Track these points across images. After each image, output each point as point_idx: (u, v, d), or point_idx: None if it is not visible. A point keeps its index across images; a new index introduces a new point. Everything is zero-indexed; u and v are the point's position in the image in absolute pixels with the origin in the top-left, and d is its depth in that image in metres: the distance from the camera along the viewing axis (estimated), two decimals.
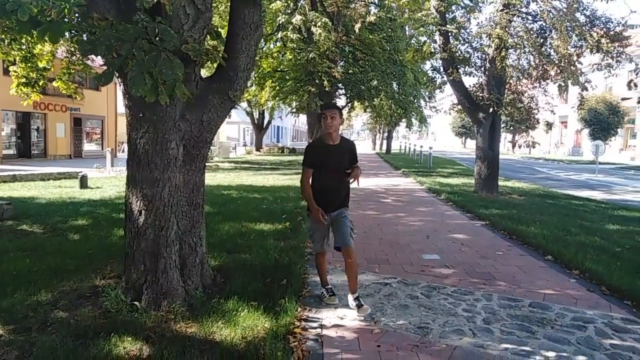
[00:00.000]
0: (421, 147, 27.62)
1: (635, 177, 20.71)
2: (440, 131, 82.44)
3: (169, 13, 3.44)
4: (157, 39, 3.06)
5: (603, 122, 32.24)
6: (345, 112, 35.44)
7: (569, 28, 9.46)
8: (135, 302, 3.78)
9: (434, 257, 5.57)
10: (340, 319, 3.68)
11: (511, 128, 43.72)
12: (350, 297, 3.90)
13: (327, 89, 18.84)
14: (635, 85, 5.20)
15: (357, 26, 13.11)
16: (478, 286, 4.49)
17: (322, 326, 3.54)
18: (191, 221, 4.17)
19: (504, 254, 5.78)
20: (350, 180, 3.92)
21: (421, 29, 13.18)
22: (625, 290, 4.25)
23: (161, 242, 3.86)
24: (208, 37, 4.19)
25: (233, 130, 52.65)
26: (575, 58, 10.20)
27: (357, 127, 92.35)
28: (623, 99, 30.28)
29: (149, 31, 3.02)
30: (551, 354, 3.10)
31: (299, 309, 3.80)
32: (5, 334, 3.32)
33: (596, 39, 9.46)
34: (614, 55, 9.60)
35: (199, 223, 4.26)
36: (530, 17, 10.72)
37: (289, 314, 3.60)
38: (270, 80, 22.57)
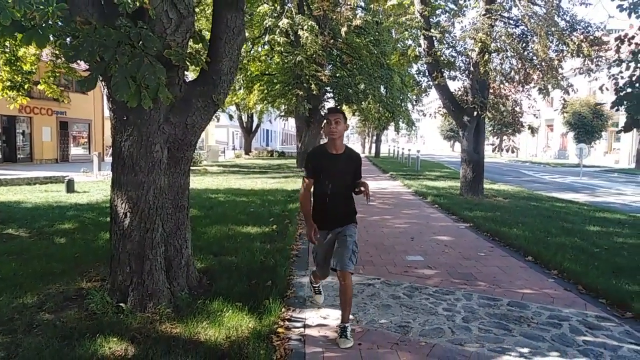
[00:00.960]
0: (409, 150, 27.82)
1: (618, 179, 21.10)
2: (429, 135, 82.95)
3: (151, 17, 3.49)
4: (140, 44, 3.11)
5: (587, 125, 32.76)
6: None
7: (548, 33, 9.65)
8: (121, 304, 3.82)
9: (418, 258, 5.67)
10: (323, 319, 3.75)
11: (498, 132, 44.19)
12: (339, 327, 3.42)
13: (314, 92, 18.94)
14: (607, 89, 5.36)
15: (344, 30, 13.22)
16: (459, 286, 4.60)
17: (305, 326, 3.61)
18: (176, 223, 4.21)
19: (485, 255, 5.90)
20: (364, 198, 3.41)
21: (405, 33, 13.34)
22: (600, 289, 4.38)
23: (146, 244, 3.90)
24: (192, 40, 4.25)
25: (222, 134, 52.53)
26: (556, 63, 10.43)
27: (347, 131, 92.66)
28: (597, 105, 30.77)
29: (131, 36, 3.08)
30: (526, 350, 3.20)
31: (283, 309, 3.86)
32: None
33: (576, 43, 9.67)
34: (593, 59, 9.83)
35: (184, 225, 4.30)
36: (512, 22, 10.93)
37: (272, 314, 3.66)
38: (258, 84, 22.62)
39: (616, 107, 4.83)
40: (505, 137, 41.09)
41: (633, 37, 5.19)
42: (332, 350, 3.21)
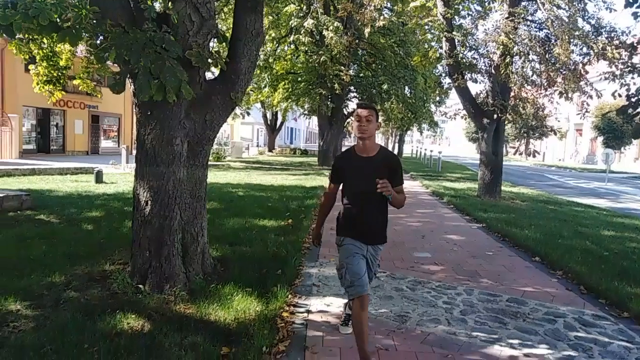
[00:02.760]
0: (431, 151, 27.74)
1: None
2: (454, 136, 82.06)
3: (174, 22, 3.78)
4: (163, 47, 3.39)
5: (617, 130, 31.96)
6: None
7: (571, 37, 9.61)
8: (140, 285, 4.12)
9: (426, 255, 5.82)
10: (326, 306, 3.97)
11: (524, 135, 43.50)
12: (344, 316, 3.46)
13: (337, 91, 19.13)
14: (620, 95, 5.37)
15: (367, 30, 13.39)
16: (462, 282, 4.75)
17: (308, 311, 3.84)
18: (193, 212, 4.50)
19: (493, 254, 6.00)
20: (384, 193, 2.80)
21: (428, 34, 13.40)
22: (601, 290, 4.46)
23: (165, 230, 4.19)
24: (215, 40, 4.53)
25: (247, 131, 53.23)
26: (580, 67, 10.35)
27: None
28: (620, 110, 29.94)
29: (155, 41, 3.36)
30: (516, 341, 3.35)
31: (290, 296, 4.10)
32: (23, 309, 3.68)
33: (600, 46, 9.59)
34: (618, 64, 9.72)
35: (201, 215, 4.58)
36: (535, 25, 10.90)
37: (279, 299, 3.90)
38: (283, 82, 22.97)
39: (622, 115, 4.87)
40: (531, 141, 40.45)
41: (636, 47, 5.22)
42: (332, 334, 3.43)
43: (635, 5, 5.05)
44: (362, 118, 2.93)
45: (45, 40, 10.59)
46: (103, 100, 21.87)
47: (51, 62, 11.28)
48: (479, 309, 3.98)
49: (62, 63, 11.36)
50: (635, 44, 5.29)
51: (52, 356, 2.92)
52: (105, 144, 28.01)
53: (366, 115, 2.93)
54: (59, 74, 11.58)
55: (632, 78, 5.03)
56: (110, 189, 10.76)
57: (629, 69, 5.14)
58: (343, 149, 35.21)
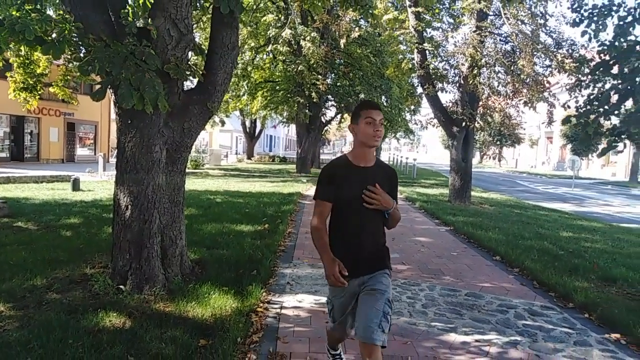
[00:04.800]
0: (407, 158, 28.34)
1: (610, 191, 21.52)
2: (431, 144, 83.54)
3: (154, 37, 4.03)
4: (143, 60, 3.65)
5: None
6: (335, 123, 36.22)
7: (534, 50, 10.18)
8: (121, 286, 4.32)
9: (394, 255, 6.14)
10: (298, 302, 4.25)
11: (498, 143, 44.70)
12: None
13: (315, 100, 19.51)
14: (569, 107, 5.84)
15: (343, 41, 13.83)
16: (426, 279, 5.08)
17: (282, 307, 4.11)
18: (172, 217, 4.72)
19: (458, 254, 6.38)
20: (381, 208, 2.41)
21: (401, 46, 13.90)
22: (551, 284, 4.86)
23: (145, 234, 4.40)
24: (192, 53, 4.79)
25: (225, 139, 53.20)
26: (542, 78, 10.95)
27: (349, 138, 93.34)
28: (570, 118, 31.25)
29: (136, 54, 3.62)
30: (469, 329, 3.69)
31: (264, 294, 4.36)
32: (6, 311, 3.84)
33: (559, 59, 10.19)
34: (576, 76, 10.33)
35: (179, 219, 4.81)
36: (501, 39, 11.48)
37: (254, 297, 4.16)
38: (262, 90, 23.26)
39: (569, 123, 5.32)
40: (504, 148, 41.65)
41: (592, 60, 5.71)
42: (301, 326, 3.70)
43: (583, 25, 5.53)
44: (377, 121, 2.42)
45: (22, 48, 10.67)
46: (79, 108, 21.75)
47: (28, 70, 11.35)
48: (439, 303, 4.31)
49: (39, 71, 11.43)
50: (587, 59, 5.79)
51: (39, 351, 3.11)
52: (81, 151, 27.70)
53: (381, 118, 2.45)
54: (36, 81, 11.64)
55: (579, 91, 5.49)
56: (87, 197, 10.82)
57: (577, 82, 5.62)
58: (322, 157, 34.90)
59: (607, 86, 4.86)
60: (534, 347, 3.43)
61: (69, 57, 11.06)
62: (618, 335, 3.69)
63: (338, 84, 23.28)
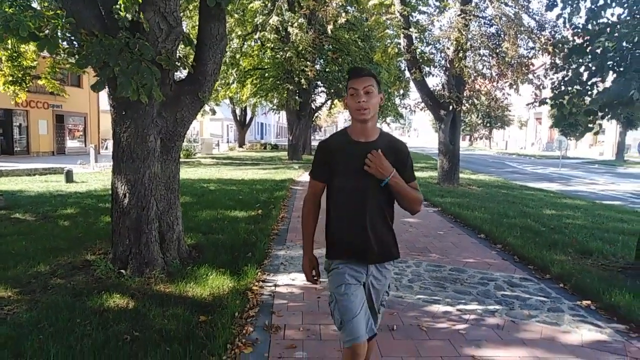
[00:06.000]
0: None
1: (597, 170, 21.97)
2: (422, 128, 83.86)
3: (146, 29, 4.18)
4: (137, 51, 3.82)
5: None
6: (326, 109, 36.29)
7: (518, 32, 10.38)
8: (122, 271, 4.53)
9: None
10: (292, 281, 4.49)
11: (488, 125, 45.09)
12: None
13: (304, 86, 19.60)
14: (544, 87, 6.08)
15: (330, 27, 13.93)
16: (413, 257, 5.35)
17: (276, 285, 4.35)
18: (168, 203, 4.92)
19: (444, 233, 6.65)
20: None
21: (388, 31, 14.03)
22: (531, 258, 5.15)
23: (142, 220, 4.60)
24: (182, 44, 4.94)
25: (216, 127, 53.01)
26: (526, 60, 11.17)
27: (340, 124, 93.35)
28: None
29: (130, 45, 3.78)
30: (451, 300, 3.96)
31: (259, 273, 4.60)
32: (14, 295, 4.04)
33: (543, 41, 10.41)
34: (558, 57, 10.56)
35: (175, 205, 5.01)
36: (486, 22, 11.65)
37: (249, 276, 4.39)
38: (251, 78, 23.28)
39: (546, 103, 5.55)
40: (494, 130, 42.06)
41: (567, 42, 5.93)
42: (295, 301, 3.95)
43: (558, 8, 5.73)
44: (360, 90, 2.07)
45: (9, 42, 10.69)
46: (67, 99, 21.65)
47: (16, 63, 11.37)
48: (424, 278, 4.58)
49: (26, 63, 11.45)
50: (569, 40, 5.98)
51: (49, 329, 3.32)
52: (71, 143, 27.63)
53: (365, 86, 2.07)
54: (24, 74, 11.67)
55: (556, 72, 5.71)
56: (82, 188, 10.95)
57: (552, 65, 5.84)
58: (313, 143, 34.77)
59: (582, 69, 5.08)
60: (510, 315, 3.70)
61: (69, 57, 11.17)
62: (589, 302, 3.97)
63: (327, 69, 23.36)
